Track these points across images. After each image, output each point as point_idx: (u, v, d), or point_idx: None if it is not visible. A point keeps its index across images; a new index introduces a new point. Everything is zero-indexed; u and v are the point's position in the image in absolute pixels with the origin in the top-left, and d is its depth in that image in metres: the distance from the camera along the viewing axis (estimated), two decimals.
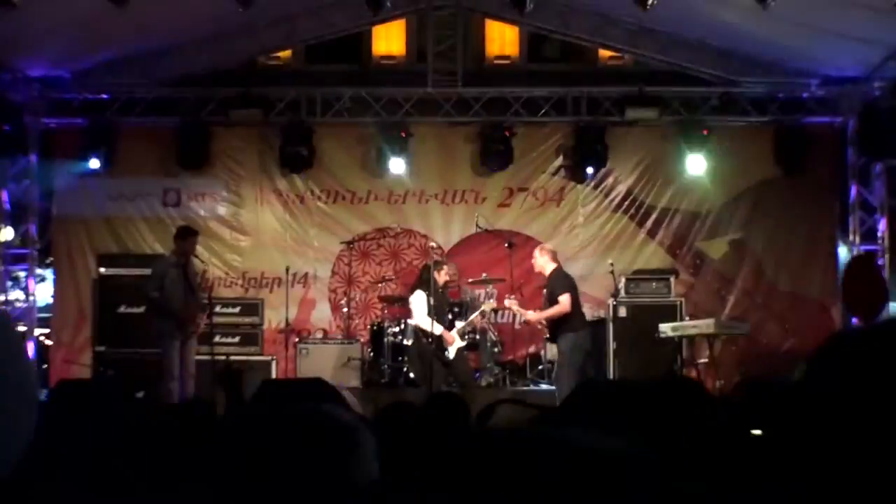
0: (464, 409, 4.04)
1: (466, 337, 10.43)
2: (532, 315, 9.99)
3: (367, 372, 10.98)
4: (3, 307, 11.36)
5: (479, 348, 10.98)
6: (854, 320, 11.67)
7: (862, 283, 11.10)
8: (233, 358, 10.70)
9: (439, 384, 9.72)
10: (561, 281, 9.62)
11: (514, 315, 11.62)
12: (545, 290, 9.92)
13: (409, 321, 10.65)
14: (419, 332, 10.15)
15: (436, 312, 9.94)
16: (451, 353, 10.02)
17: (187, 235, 10.03)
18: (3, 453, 1.23)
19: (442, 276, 10.19)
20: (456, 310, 10.61)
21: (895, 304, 11.13)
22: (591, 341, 9.98)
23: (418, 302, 10.04)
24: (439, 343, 9.97)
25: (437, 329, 9.89)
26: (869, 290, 10.99)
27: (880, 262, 11.78)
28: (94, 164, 11.83)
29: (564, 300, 9.44)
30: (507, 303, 10.10)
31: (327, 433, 1.48)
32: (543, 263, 9.79)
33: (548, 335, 10.20)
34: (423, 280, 10.08)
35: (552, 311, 9.57)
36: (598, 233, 12.34)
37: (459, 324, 10.15)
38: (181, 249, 9.88)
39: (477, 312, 10.62)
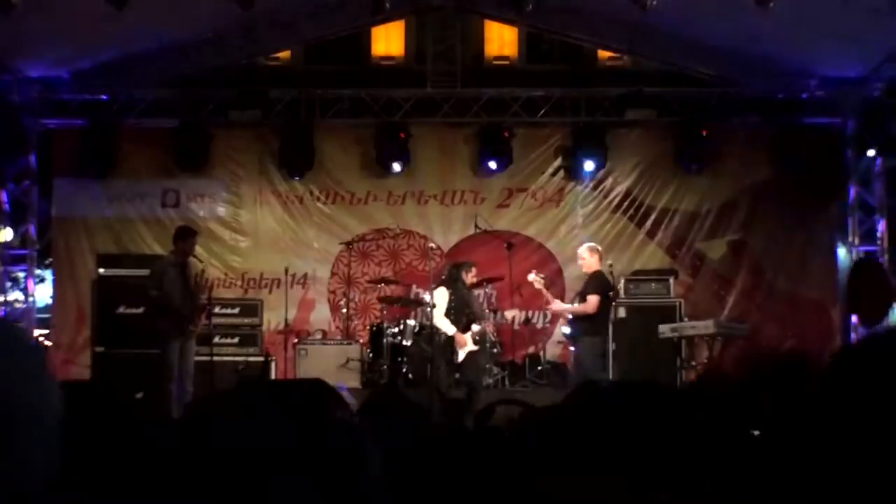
0: (406, 407, 4.02)
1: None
2: (558, 305, 9.97)
3: (367, 373, 10.97)
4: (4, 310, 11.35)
5: (479, 348, 10.95)
6: (854, 320, 11.67)
7: (867, 288, 11.06)
8: (234, 359, 10.74)
9: (443, 384, 9.70)
10: (597, 282, 9.63)
11: (514, 316, 11.60)
12: (579, 290, 9.90)
13: (408, 321, 10.65)
14: (431, 329, 10.03)
15: (455, 312, 9.88)
16: (460, 355, 9.97)
17: (187, 236, 10.02)
18: (23, 482, 1.21)
19: (469, 278, 10.11)
20: (474, 312, 10.56)
21: None
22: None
23: (441, 299, 9.95)
24: (449, 343, 9.89)
25: (451, 330, 9.82)
26: (875, 293, 10.95)
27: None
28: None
29: (592, 300, 9.46)
30: (531, 278, 10.01)
31: (329, 434, 1.48)
32: (592, 263, 9.78)
33: (567, 333, 10.12)
34: (450, 278, 10.01)
35: (578, 307, 9.60)
36: (597, 233, 12.32)
37: (475, 327, 10.06)
38: (180, 250, 9.87)
39: (494, 318, 10.57)
